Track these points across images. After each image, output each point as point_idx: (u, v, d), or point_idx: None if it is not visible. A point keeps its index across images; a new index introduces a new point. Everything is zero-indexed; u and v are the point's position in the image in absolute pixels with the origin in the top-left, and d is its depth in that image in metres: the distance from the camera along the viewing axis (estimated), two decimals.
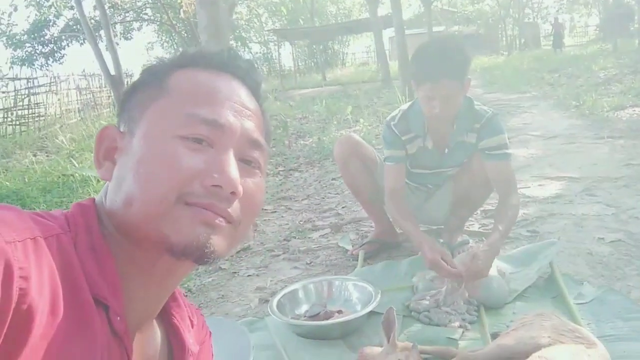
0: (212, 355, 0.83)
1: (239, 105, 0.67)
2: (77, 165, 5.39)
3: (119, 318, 0.58)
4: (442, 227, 2.51)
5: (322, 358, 1.68)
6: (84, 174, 4.73)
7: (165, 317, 0.73)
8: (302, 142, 6.12)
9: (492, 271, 1.96)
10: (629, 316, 1.73)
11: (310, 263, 2.46)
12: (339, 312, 1.87)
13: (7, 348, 0.45)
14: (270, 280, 2.31)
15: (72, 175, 4.94)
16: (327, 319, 1.82)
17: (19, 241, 0.49)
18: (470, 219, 2.61)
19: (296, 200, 3.63)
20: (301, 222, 3.08)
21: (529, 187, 3.28)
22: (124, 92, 0.70)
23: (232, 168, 0.62)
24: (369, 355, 1.57)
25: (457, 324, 1.81)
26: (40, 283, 0.48)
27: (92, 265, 0.57)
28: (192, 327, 0.77)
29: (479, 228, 2.67)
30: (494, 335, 1.71)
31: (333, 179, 4.05)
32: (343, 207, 3.28)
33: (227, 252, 0.64)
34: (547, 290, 1.99)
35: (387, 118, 2.25)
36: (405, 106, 2.23)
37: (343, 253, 2.53)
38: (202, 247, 0.60)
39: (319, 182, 4.10)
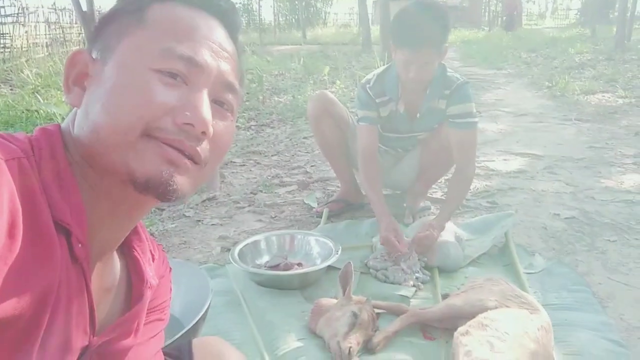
0: (171, 290, 0.84)
1: (216, 46, 0.66)
2: (42, 101, 5.23)
3: (80, 245, 0.58)
4: (407, 191, 2.56)
5: (280, 307, 1.72)
6: (49, 110, 4.59)
7: (126, 249, 0.73)
8: (276, 98, 6.05)
9: (450, 237, 2.03)
10: (573, 287, 1.83)
11: (275, 217, 2.49)
12: (299, 264, 1.91)
13: None
14: (234, 231, 2.33)
15: (36, 111, 4.80)
16: (286, 270, 1.86)
17: None
18: (433, 186, 2.66)
19: (266, 156, 3.62)
20: (269, 177, 3.09)
21: (494, 160, 3.35)
22: (100, 18, 0.68)
23: (205, 108, 0.62)
24: (324, 306, 1.62)
25: (411, 283, 1.88)
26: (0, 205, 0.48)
27: (55, 190, 0.57)
28: (153, 260, 0.78)
29: (442, 195, 2.73)
30: (445, 296, 1.78)
31: (304, 138, 4.05)
32: (312, 166, 3.30)
33: (190, 192, 0.64)
34: (500, 259, 2.07)
35: (363, 80, 2.26)
36: (380, 69, 2.23)
37: (308, 210, 2.56)
38: (165, 184, 0.60)
39: (290, 139, 4.09)
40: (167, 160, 0.60)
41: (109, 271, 0.70)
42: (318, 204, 2.58)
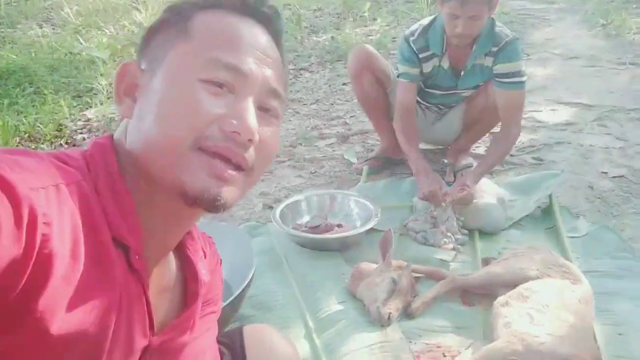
0: (222, 282, 0.88)
1: (261, 53, 0.66)
2: (83, 43, 5.27)
3: (137, 257, 0.61)
4: (449, 147, 2.51)
5: (320, 268, 1.77)
6: (92, 54, 4.64)
7: (180, 249, 0.76)
8: (315, 38, 5.90)
9: (492, 198, 2.01)
10: (617, 254, 1.81)
11: (315, 173, 2.50)
12: (339, 225, 1.94)
13: (29, 289, 0.48)
14: (275, 187, 2.37)
15: (79, 54, 4.86)
16: (327, 231, 1.90)
17: (42, 188, 0.51)
18: (477, 143, 2.60)
19: (304, 104, 3.59)
20: (308, 129, 3.07)
21: (541, 111, 3.22)
22: (147, 30, 0.70)
23: (251, 116, 0.63)
24: (364, 270, 1.66)
25: (450, 245, 1.89)
26: (62, 229, 0.51)
27: (112, 207, 0.59)
28: (205, 257, 0.81)
29: (485, 151, 2.67)
30: (485, 260, 1.80)
31: (344, 84, 3.97)
32: (351, 117, 3.25)
33: (238, 199, 0.67)
34: (543, 221, 2.05)
35: (406, 32, 2.17)
36: (425, 21, 2.14)
37: (348, 165, 2.56)
38: (213, 199, 0.62)
39: (329, 85, 4.02)
40: (215, 176, 0.62)
41: (165, 273, 0.74)
42: (358, 159, 2.58)
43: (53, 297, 0.50)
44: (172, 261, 0.75)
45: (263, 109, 0.67)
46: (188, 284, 0.76)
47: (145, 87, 0.65)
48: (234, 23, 0.66)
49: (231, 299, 1.32)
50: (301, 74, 4.46)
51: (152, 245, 0.66)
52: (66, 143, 3.01)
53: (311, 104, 3.61)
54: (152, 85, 0.64)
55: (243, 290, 1.37)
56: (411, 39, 2.11)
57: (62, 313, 0.51)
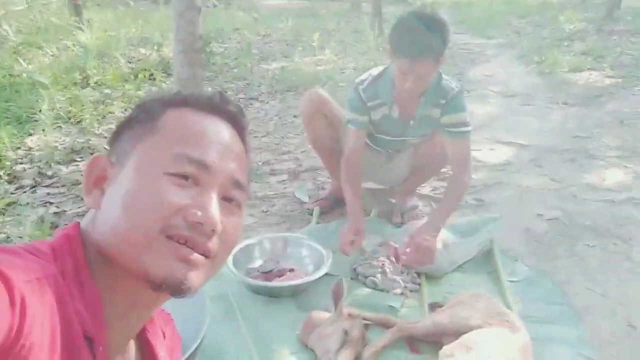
0: (180, 358, 0.90)
1: (224, 148, 0.71)
2: (23, 64, 5.09)
3: (101, 348, 0.63)
4: (396, 190, 2.60)
5: (272, 315, 1.79)
6: (33, 77, 4.49)
7: (140, 333, 0.77)
8: (264, 66, 5.97)
9: (437, 243, 2.09)
10: (551, 300, 1.92)
11: (267, 212, 2.53)
12: (291, 270, 1.97)
13: None
14: None
15: (18, 76, 4.68)
16: (279, 276, 1.92)
17: (28, 282, 0.54)
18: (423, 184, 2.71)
19: (255, 137, 3.62)
20: (260, 164, 3.10)
21: (481, 150, 3.40)
22: (118, 125, 0.73)
23: (214, 207, 0.67)
24: (316, 320, 1.69)
25: (399, 291, 1.95)
26: (43, 322, 0.53)
27: (80, 301, 0.61)
28: (164, 338, 0.82)
29: (430, 191, 2.79)
30: (432, 306, 1.87)
31: (294, 116, 4.04)
32: (302, 152, 3.31)
33: (202, 285, 0.69)
34: (484, 265, 2.15)
35: (357, 80, 2.25)
36: (375, 71, 2.23)
37: (299, 204, 2.60)
38: (179, 282, 0.64)
39: (280, 117, 4.08)
40: (181, 259, 0.64)
41: (125, 358, 0.75)
42: (309, 198, 2.62)
43: None
44: (132, 346, 0.76)
45: (226, 199, 0.70)
46: None
47: (114, 179, 0.68)
48: (200, 120, 0.71)
49: (185, 356, 1.32)
50: (251, 104, 4.50)
51: (115, 333, 0.67)
52: (7, 175, 2.89)
53: (262, 136, 3.65)
54: (120, 178, 0.67)
55: (196, 348, 1.37)
56: (360, 87, 2.19)
57: None
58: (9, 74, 4.75)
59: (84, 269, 0.64)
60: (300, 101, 2.48)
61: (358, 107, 2.19)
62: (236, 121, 0.75)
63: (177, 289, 0.65)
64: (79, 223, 0.70)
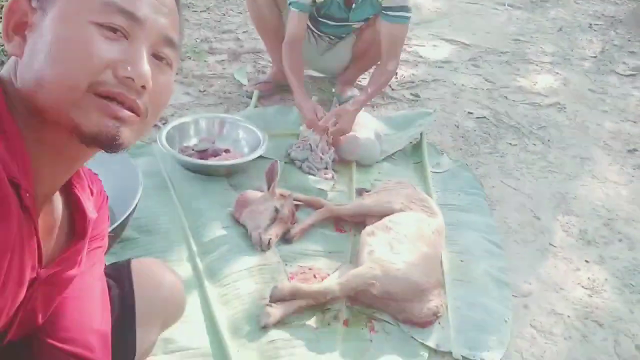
0: (108, 218, 0.92)
1: (156, 1, 0.67)
2: None
3: (28, 194, 0.63)
4: (336, 78, 2.61)
5: (206, 192, 1.84)
6: None
7: (67, 187, 0.78)
8: None
9: (370, 133, 2.16)
10: (470, 190, 2.08)
11: (204, 91, 2.48)
12: (227, 151, 1.99)
13: None
14: None
15: None
16: (214, 156, 1.94)
17: None
18: (362, 75, 2.72)
19: (194, 11, 3.42)
20: (198, 41, 2.98)
21: (424, 45, 3.41)
22: None
23: (144, 62, 0.65)
24: (249, 198, 1.76)
25: (330, 175, 2.04)
26: None
27: (2, 147, 0.60)
28: (92, 195, 0.84)
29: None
30: (359, 191, 1.97)
31: None
32: (244, 32, 3.19)
33: (134, 142, 0.69)
34: (412, 156, 2.27)
35: None
36: None
37: (238, 86, 2.56)
38: (111, 138, 0.65)
39: None
40: (112, 116, 0.64)
41: (53, 211, 0.76)
42: (249, 81, 2.58)
43: None
44: (58, 199, 0.77)
45: (157, 57, 0.68)
46: (75, 220, 0.79)
47: (36, 26, 0.64)
48: None
49: (114, 225, 1.35)
50: None
51: (41, 184, 0.67)
52: None
53: (202, 11, 3.46)
54: (44, 25, 0.63)
55: (127, 217, 1.40)
56: None
57: None
58: None
59: (5, 116, 0.62)
60: None
61: None
62: None
63: (110, 145, 0.65)
64: None
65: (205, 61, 2.77)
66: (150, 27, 0.66)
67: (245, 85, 2.54)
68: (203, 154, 1.94)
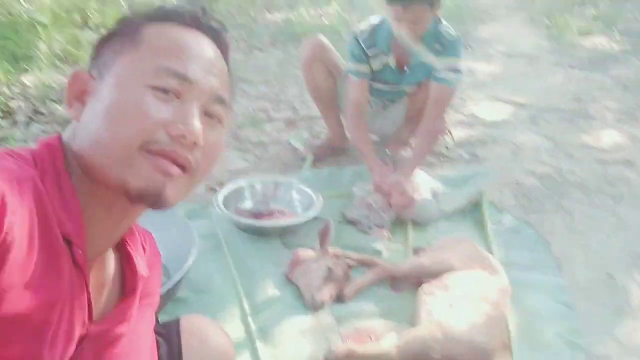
0: (160, 277, 0.93)
1: (207, 62, 0.70)
2: (24, 4, 5.02)
3: (80, 251, 0.65)
4: (390, 138, 2.61)
5: (259, 253, 1.84)
6: (33, 17, 4.44)
7: (120, 244, 0.79)
8: (269, 16, 5.86)
9: (427, 193, 2.12)
10: (535, 247, 1.97)
11: (260, 157, 2.55)
12: (280, 212, 2.00)
13: None
14: (219, 169, 2.39)
15: (19, 15, 4.63)
16: (268, 217, 1.96)
17: (8, 181, 0.55)
18: None
19: (254, 85, 3.59)
20: (256, 111, 3.10)
21: (480, 107, 3.38)
22: (99, 39, 0.72)
23: (196, 120, 0.67)
24: (302, 257, 1.74)
25: (385, 234, 1.99)
26: (23, 220, 0.55)
27: (58, 204, 0.62)
28: (145, 252, 0.85)
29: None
30: (415, 250, 1.91)
31: (295, 67, 3.99)
32: (300, 101, 3.30)
33: (180, 199, 0.70)
34: (471, 215, 2.19)
35: (357, 30, 2.23)
36: (375, 20, 2.21)
37: (293, 151, 2.61)
38: (157, 194, 0.65)
39: (280, 67, 4.03)
40: (160, 171, 0.65)
41: (105, 267, 0.77)
42: (304, 146, 2.63)
43: (7, 281, 0.53)
44: (111, 256, 0.78)
45: (208, 115, 0.70)
46: (127, 277, 0.80)
47: (95, 93, 0.68)
48: (183, 34, 0.70)
49: (169, 285, 1.36)
50: (252, 53, 4.45)
51: (94, 241, 0.69)
52: (1, 110, 2.89)
53: (260, 84, 3.62)
54: (101, 90, 0.67)
55: (181, 277, 1.41)
56: (361, 37, 2.19)
57: (11, 297, 0.55)
58: (9, 13, 4.70)
59: (63, 175, 0.65)
60: (301, 47, 2.46)
61: (359, 57, 2.19)
62: (219, 38, 0.74)
63: (155, 201, 0.66)
64: (60, 134, 0.71)
65: (262, 129, 2.86)
66: (201, 87, 0.68)
67: (300, 150, 2.59)
68: (258, 215, 1.96)
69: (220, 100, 0.71)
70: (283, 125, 2.94)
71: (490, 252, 1.88)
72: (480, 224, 2.11)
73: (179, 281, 1.42)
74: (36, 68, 3.45)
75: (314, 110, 3.02)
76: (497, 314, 1.52)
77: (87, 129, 0.67)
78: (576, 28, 5.72)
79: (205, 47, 0.71)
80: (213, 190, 2.19)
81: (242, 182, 2.11)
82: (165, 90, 0.66)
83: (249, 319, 1.54)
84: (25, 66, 3.50)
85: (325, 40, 2.41)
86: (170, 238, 1.56)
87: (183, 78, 0.67)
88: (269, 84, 3.65)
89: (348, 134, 2.39)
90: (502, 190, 2.38)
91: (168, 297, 1.40)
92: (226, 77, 0.74)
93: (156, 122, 0.65)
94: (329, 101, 2.45)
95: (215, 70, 0.71)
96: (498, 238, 2.02)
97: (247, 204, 2.06)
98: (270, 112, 3.11)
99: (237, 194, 2.06)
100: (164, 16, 0.71)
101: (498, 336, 1.47)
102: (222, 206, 1.91)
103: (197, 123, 0.67)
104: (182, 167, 0.67)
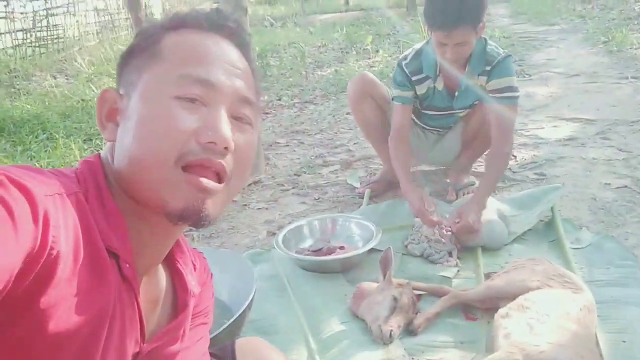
0: (213, 295, 0.91)
1: (228, 65, 0.70)
2: (95, 90, 5.45)
3: (127, 265, 0.64)
4: (450, 167, 2.54)
5: (322, 290, 1.79)
6: None
7: (170, 262, 0.79)
8: (319, 72, 6.03)
9: (493, 215, 2.01)
10: (621, 262, 1.79)
11: (318, 199, 2.54)
12: (341, 247, 1.96)
13: (36, 285, 0.52)
14: (279, 214, 2.40)
15: (90, 100, 5.01)
16: (329, 254, 1.92)
17: (50, 195, 0.55)
18: (478, 160, 2.62)
19: (309, 135, 3.65)
20: (312, 157, 3.13)
21: (543, 128, 3.25)
22: (121, 57, 0.73)
23: (224, 125, 0.67)
24: (366, 290, 1.67)
25: (453, 262, 1.89)
26: (67, 234, 0.55)
27: (102, 218, 0.63)
28: (195, 270, 0.84)
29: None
30: (488, 276, 1.79)
31: (347, 114, 4.04)
32: (355, 143, 3.31)
33: (221, 212, 0.70)
34: (546, 234, 2.04)
35: (400, 57, 2.23)
36: (418, 45, 2.20)
37: (351, 190, 2.59)
38: (197, 211, 0.65)
39: (333, 116, 4.10)
40: (197, 189, 0.65)
41: (156, 284, 0.77)
42: (360, 184, 2.61)
43: (55, 295, 0.53)
44: (161, 273, 0.78)
45: (236, 118, 0.70)
46: (178, 295, 0.79)
47: (125, 110, 0.69)
48: (201, 39, 0.70)
49: (231, 320, 1.34)
50: (306, 107, 4.56)
51: (140, 256, 0.69)
52: None
53: (315, 134, 3.68)
54: (130, 108, 0.68)
55: (243, 311, 1.39)
56: (404, 62, 2.17)
57: (60, 312, 0.54)
58: (82, 99, 5.10)
59: (105, 191, 0.66)
60: (348, 86, 2.48)
61: (402, 82, 2.17)
62: (237, 37, 0.74)
63: (196, 219, 0.66)
64: (99, 154, 0.73)
65: (319, 173, 2.87)
66: (226, 91, 0.68)
67: (357, 188, 2.56)
68: (318, 253, 1.92)
69: (246, 101, 0.71)
70: (339, 167, 2.93)
71: (571, 270, 1.73)
72: (556, 243, 1.96)
73: (241, 317, 1.39)
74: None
75: (369, 150, 3.02)
76: (584, 333, 1.37)
77: (122, 147, 0.67)
78: (636, 41, 5.48)
79: (225, 49, 0.71)
80: (274, 234, 2.19)
81: (300, 222, 2.10)
82: (191, 100, 0.66)
83: (316, 357, 1.48)
84: (99, 143, 3.76)
85: (370, 75, 2.42)
86: (230, 277, 1.56)
87: (206, 83, 0.67)
88: (323, 132, 3.70)
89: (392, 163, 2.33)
90: (577, 206, 2.22)
91: (231, 335, 1.37)
92: (250, 77, 0.74)
93: (186, 133, 0.65)
94: (381, 135, 2.42)
95: (238, 71, 0.71)
96: (578, 256, 1.86)
97: (307, 243, 2.03)
98: (326, 157, 3.13)
99: (297, 234, 2.04)
100: (180, 23, 0.71)
101: (588, 356, 1.31)
102: (282, 246, 1.89)
103: (225, 128, 0.66)
104: (217, 175, 0.67)
